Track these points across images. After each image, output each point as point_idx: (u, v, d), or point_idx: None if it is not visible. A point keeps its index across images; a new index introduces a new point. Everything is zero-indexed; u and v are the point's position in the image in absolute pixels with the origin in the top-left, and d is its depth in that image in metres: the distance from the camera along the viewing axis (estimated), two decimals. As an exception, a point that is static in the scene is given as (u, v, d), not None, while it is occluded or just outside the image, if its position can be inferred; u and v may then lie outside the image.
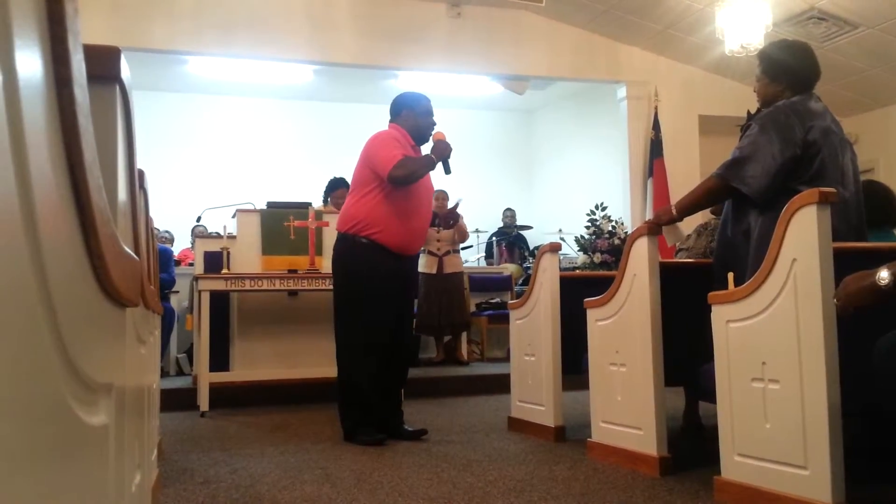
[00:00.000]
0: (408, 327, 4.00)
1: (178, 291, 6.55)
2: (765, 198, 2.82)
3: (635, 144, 7.69)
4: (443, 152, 3.78)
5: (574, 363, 3.66)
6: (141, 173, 1.77)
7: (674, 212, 3.13)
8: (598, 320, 3.32)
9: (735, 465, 2.52)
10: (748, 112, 3.17)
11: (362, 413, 3.73)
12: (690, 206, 3.11)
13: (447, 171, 3.81)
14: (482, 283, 7.48)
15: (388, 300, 3.73)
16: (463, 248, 7.17)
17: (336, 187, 6.30)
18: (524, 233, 9.09)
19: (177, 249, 7.67)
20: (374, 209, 3.69)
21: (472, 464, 3.21)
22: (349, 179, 6.54)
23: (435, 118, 3.92)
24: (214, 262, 5.07)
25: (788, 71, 2.98)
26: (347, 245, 3.76)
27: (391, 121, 3.93)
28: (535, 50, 7.41)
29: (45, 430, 0.56)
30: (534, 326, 3.88)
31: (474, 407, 4.88)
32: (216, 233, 6.25)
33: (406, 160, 3.67)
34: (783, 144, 2.79)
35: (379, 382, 3.75)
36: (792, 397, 2.31)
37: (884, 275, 1.83)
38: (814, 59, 3.02)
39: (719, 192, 3.01)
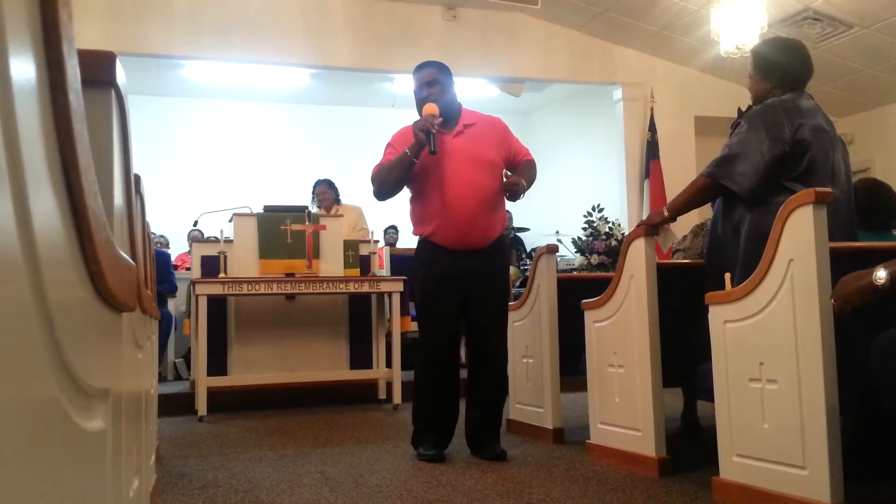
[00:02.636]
0: (489, 334, 3.44)
1: (175, 296, 6.55)
2: (754, 195, 2.82)
3: (631, 146, 7.69)
4: (418, 130, 3.27)
5: (572, 365, 3.66)
6: (137, 178, 1.77)
7: (665, 213, 3.13)
8: (596, 322, 3.32)
9: (733, 465, 2.52)
10: (739, 109, 3.18)
11: (421, 422, 3.42)
12: (682, 205, 3.11)
13: (431, 150, 3.24)
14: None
15: (445, 302, 3.37)
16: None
17: (317, 185, 6.56)
18: (521, 234, 9.09)
19: (173, 254, 7.66)
20: (417, 208, 3.46)
21: (470, 466, 3.21)
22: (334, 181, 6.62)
23: (427, 89, 3.41)
24: (211, 266, 5.07)
25: (780, 68, 2.99)
26: (416, 247, 3.56)
27: None
28: (530, 52, 7.42)
29: (41, 436, 0.56)
30: (532, 328, 3.88)
31: (473, 409, 4.88)
32: (213, 237, 6.26)
33: (377, 172, 3.43)
34: (772, 142, 2.80)
35: (442, 391, 3.39)
36: (790, 397, 2.31)
37: (881, 274, 1.84)
38: (806, 56, 3.03)
39: (709, 190, 3.02)
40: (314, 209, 6.37)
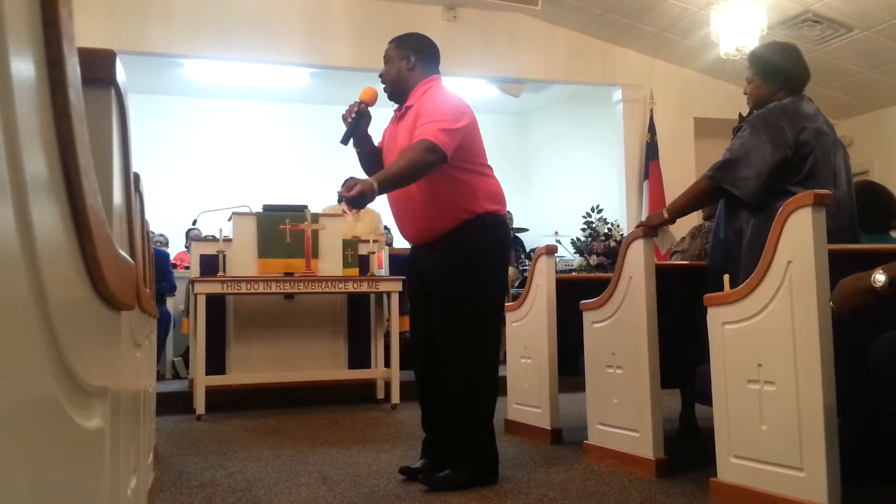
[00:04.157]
0: (437, 334, 2.96)
1: (174, 295, 6.55)
2: (756, 200, 2.82)
3: (631, 147, 7.70)
4: (342, 117, 3.12)
5: (570, 365, 3.66)
6: (136, 176, 1.77)
7: (665, 214, 3.13)
8: (595, 322, 3.32)
9: (731, 466, 2.52)
10: (740, 114, 3.18)
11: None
12: (682, 208, 3.12)
13: (341, 139, 3.13)
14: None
15: (414, 298, 3.15)
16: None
17: (348, 181, 6.43)
18: (520, 235, 9.09)
19: (172, 253, 7.66)
20: None
21: (468, 466, 3.20)
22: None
23: (383, 68, 3.18)
24: (210, 265, 5.07)
25: (781, 72, 2.99)
26: None
27: None
28: (530, 53, 7.42)
29: (39, 434, 0.56)
30: (530, 329, 3.88)
31: (471, 410, 4.88)
32: (212, 236, 6.26)
33: None
34: (774, 146, 2.80)
35: (424, 393, 3.10)
36: (788, 399, 2.32)
37: (879, 277, 1.84)
38: (804, 60, 3.04)
39: (710, 193, 3.02)
40: (337, 202, 6.27)
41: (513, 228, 9.06)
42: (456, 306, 2.92)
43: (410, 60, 3.06)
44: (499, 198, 3.04)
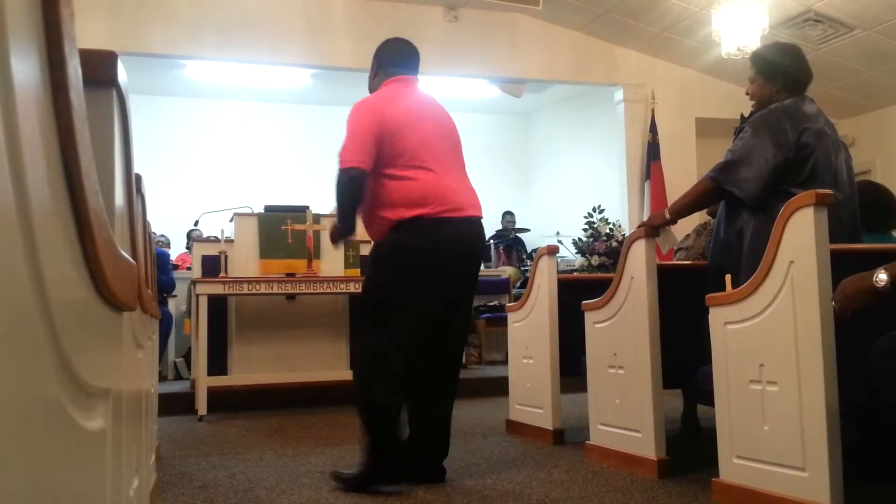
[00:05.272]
0: None
1: (175, 295, 6.55)
2: (757, 201, 2.82)
3: (632, 147, 7.69)
4: None
5: (572, 366, 3.66)
6: (138, 177, 1.78)
7: (667, 215, 3.13)
8: (596, 323, 3.32)
9: (733, 467, 2.52)
10: (742, 115, 3.17)
11: None
12: (684, 208, 3.12)
13: None
14: (480, 285, 7.45)
15: None
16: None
17: None
18: (522, 235, 9.09)
19: (174, 254, 7.66)
20: None
21: (470, 467, 3.21)
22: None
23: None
24: (212, 266, 5.07)
25: (783, 72, 2.99)
26: None
27: None
28: (531, 53, 7.42)
29: (41, 435, 0.56)
30: (532, 329, 3.88)
31: (472, 410, 4.88)
32: (214, 237, 6.26)
33: None
34: (776, 148, 2.80)
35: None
36: (790, 399, 2.31)
37: (881, 276, 1.84)
38: (806, 60, 3.04)
39: (712, 194, 3.02)
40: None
41: (514, 229, 9.07)
42: (361, 306, 3.12)
43: (374, 68, 3.12)
44: (423, 199, 2.84)
